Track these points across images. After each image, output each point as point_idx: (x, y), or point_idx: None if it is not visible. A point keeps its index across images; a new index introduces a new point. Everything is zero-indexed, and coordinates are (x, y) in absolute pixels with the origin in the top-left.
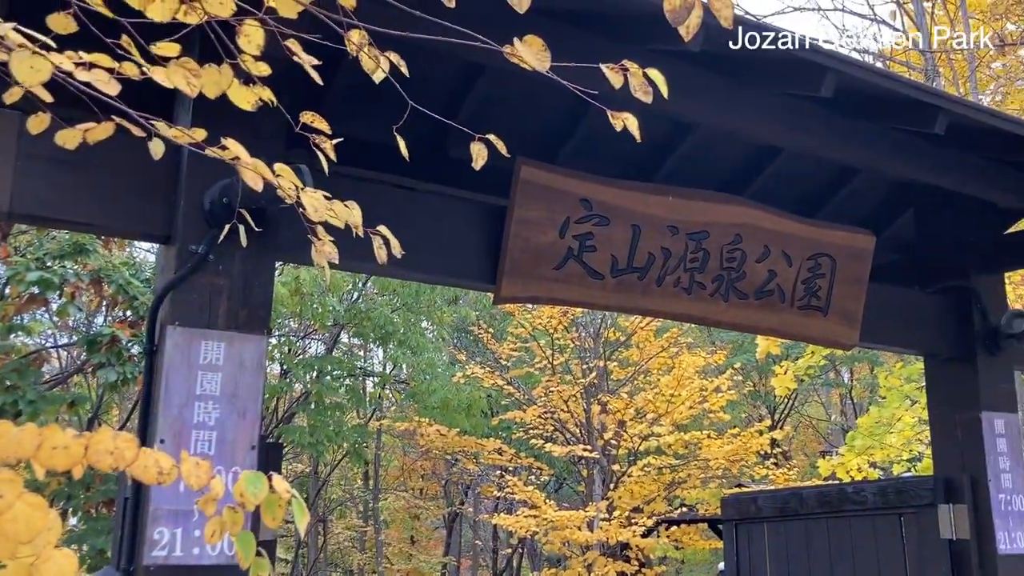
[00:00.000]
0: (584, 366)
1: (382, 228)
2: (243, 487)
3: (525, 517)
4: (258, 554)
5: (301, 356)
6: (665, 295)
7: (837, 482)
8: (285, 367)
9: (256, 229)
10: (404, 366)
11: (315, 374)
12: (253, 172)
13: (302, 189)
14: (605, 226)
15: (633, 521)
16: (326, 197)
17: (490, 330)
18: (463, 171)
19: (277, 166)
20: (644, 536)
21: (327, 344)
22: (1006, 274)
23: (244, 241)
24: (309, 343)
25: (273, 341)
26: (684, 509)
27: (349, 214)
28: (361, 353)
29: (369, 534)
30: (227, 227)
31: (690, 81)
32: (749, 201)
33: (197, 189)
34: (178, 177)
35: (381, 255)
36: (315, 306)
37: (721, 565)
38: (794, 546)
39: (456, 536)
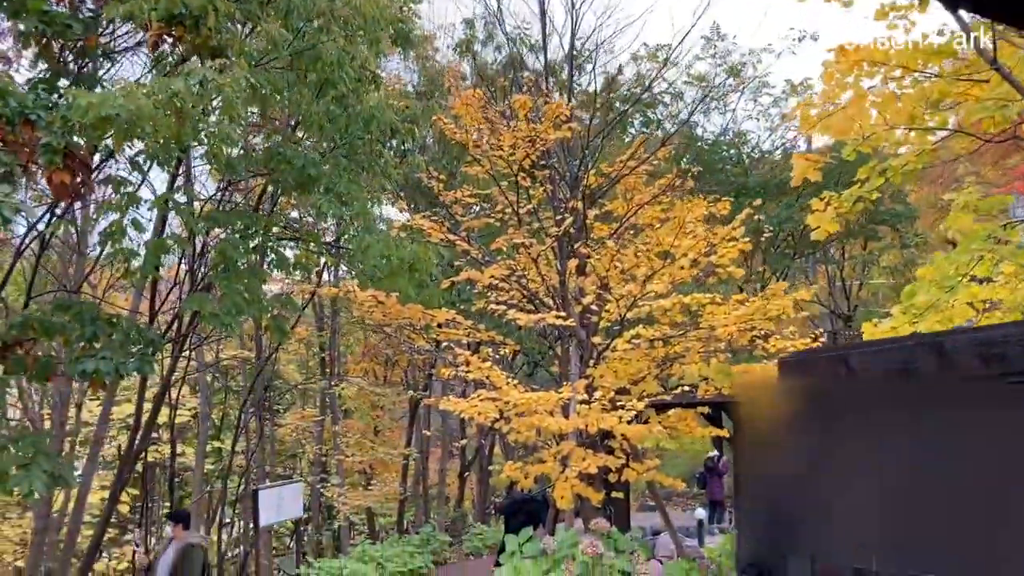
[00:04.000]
0: (557, 217)
1: None
2: None
3: (482, 400)
4: None
5: (202, 208)
6: None
7: None
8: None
9: None
10: (330, 219)
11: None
12: None
13: None
14: None
15: (619, 405)
16: None
17: (441, 177)
18: None
19: None
20: (631, 423)
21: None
22: None
23: None
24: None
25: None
26: (684, 390)
27: None
28: (295, 215)
29: (327, 425)
30: None
31: None
32: None
33: None
34: None
35: None
36: (202, 132)
37: (711, 452)
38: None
39: (420, 425)
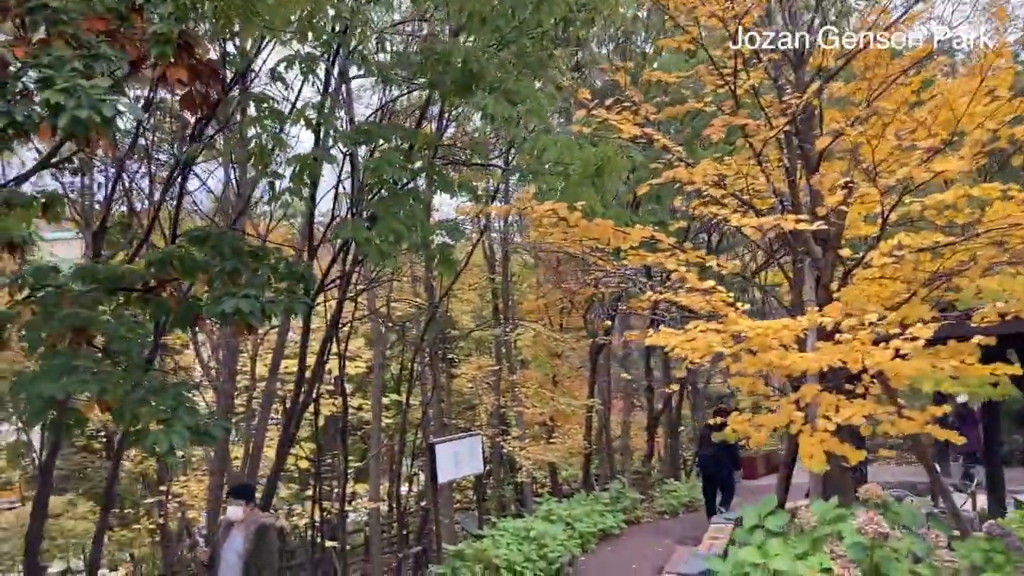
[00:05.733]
0: (782, 101)
1: None
2: None
3: (703, 332)
4: None
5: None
6: None
7: None
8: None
9: None
10: (498, 124)
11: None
12: None
13: None
14: None
15: (887, 335)
16: None
17: (627, 65)
18: None
19: None
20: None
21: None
22: None
23: None
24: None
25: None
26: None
27: None
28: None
29: (503, 375)
30: None
31: None
32: None
33: None
34: None
35: None
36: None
37: (961, 397)
38: None
39: (601, 374)
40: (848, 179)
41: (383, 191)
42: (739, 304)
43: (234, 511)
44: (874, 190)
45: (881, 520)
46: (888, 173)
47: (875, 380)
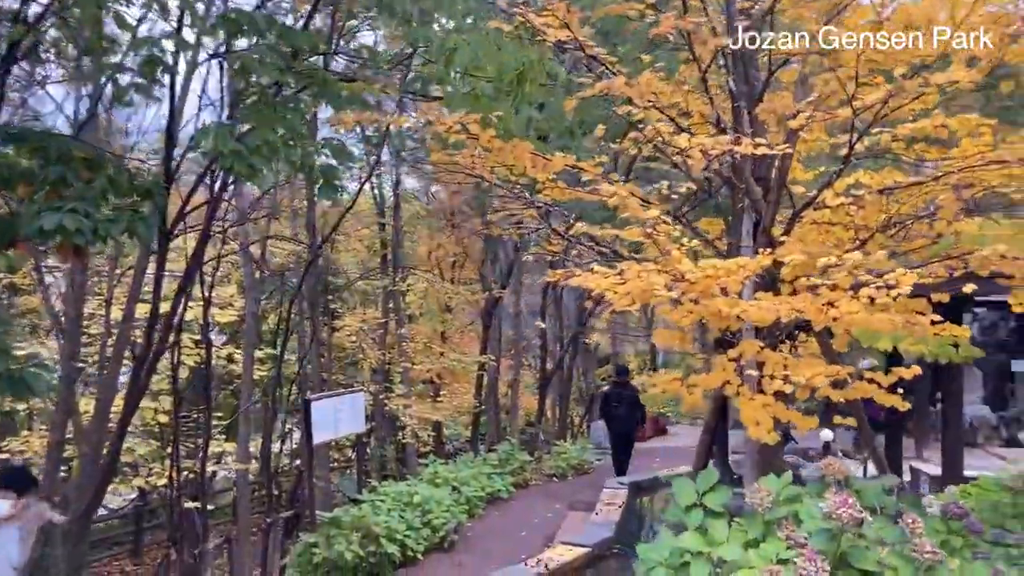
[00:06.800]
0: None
1: None
2: None
3: (642, 274)
4: None
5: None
6: None
7: None
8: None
9: None
10: (398, 22)
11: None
12: None
13: None
14: None
15: (861, 282)
16: None
17: None
18: None
19: None
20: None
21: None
22: None
23: None
24: None
25: None
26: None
27: None
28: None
29: (390, 329)
30: None
31: None
32: None
33: None
34: None
35: None
36: None
37: (864, 363)
38: None
39: (496, 331)
40: (804, 109)
41: (256, 98)
42: (686, 242)
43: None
44: (844, 112)
45: (856, 503)
46: (853, 100)
47: (816, 337)
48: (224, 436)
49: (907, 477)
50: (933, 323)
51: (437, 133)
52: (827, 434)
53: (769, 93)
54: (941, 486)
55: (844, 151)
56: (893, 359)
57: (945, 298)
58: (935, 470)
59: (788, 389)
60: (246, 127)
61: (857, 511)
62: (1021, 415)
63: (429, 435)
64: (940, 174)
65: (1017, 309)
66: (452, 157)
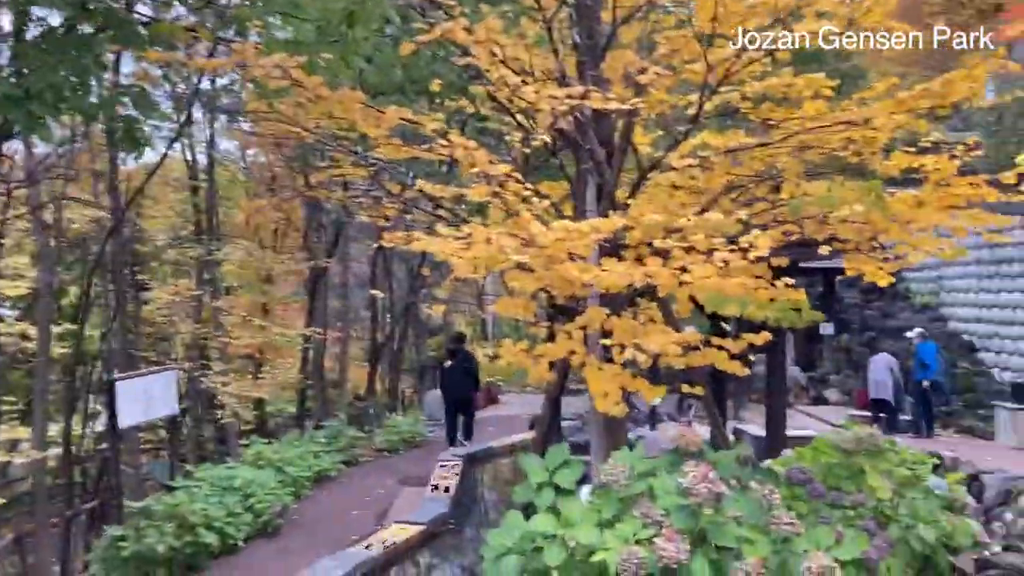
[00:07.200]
0: None
1: None
2: None
3: (493, 238)
4: None
5: None
6: None
7: None
8: None
9: None
10: None
11: None
12: None
13: None
14: None
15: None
16: None
17: None
18: None
19: None
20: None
21: None
22: None
23: None
24: None
25: None
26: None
27: None
28: None
29: (206, 301)
30: None
31: None
32: None
33: None
34: None
35: None
36: None
37: (690, 328)
38: None
39: (323, 301)
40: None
41: (41, 36)
42: (536, 202)
43: None
44: (696, 67)
45: (716, 478)
46: (708, 54)
47: (658, 304)
48: (19, 420)
49: (731, 439)
50: (788, 287)
51: (254, 78)
52: (654, 400)
53: (612, 52)
54: (766, 447)
55: (692, 111)
56: (715, 324)
57: (785, 263)
58: (757, 430)
59: (641, 358)
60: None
61: (717, 486)
62: (827, 375)
63: (252, 413)
64: (785, 136)
65: (851, 272)
66: (273, 108)
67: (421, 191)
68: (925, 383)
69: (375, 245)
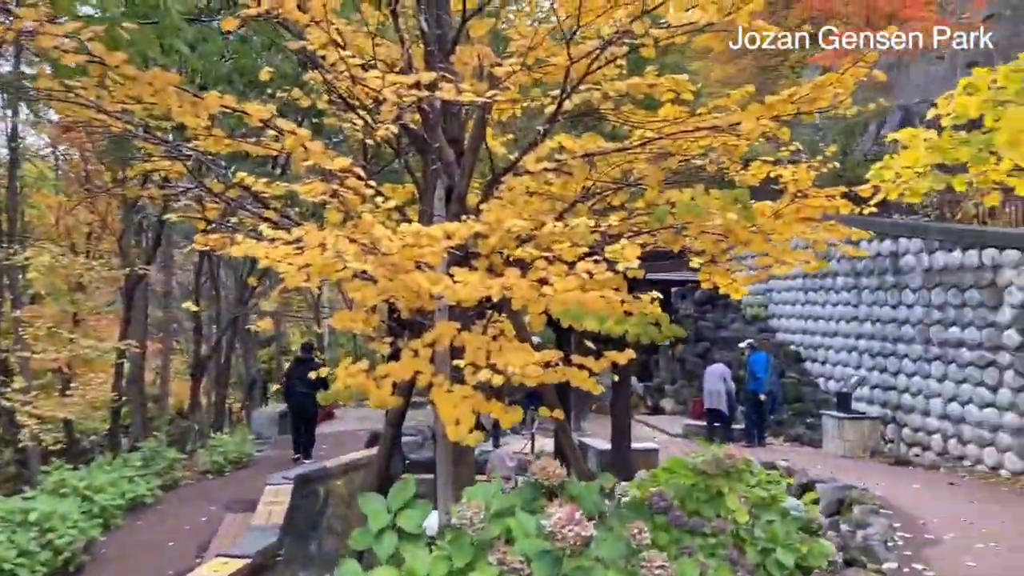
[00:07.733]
0: None
1: None
2: None
3: (329, 242)
4: None
5: None
6: None
7: None
8: None
9: None
10: None
11: None
12: None
13: None
14: None
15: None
16: None
17: None
18: None
19: None
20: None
21: None
22: None
23: None
24: None
25: None
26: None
27: None
28: None
29: (5, 311)
30: None
31: None
32: None
33: None
34: None
35: None
36: None
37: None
38: None
39: (140, 313)
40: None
41: None
42: (380, 203)
43: None
44: (559, 59)
45: (585, 520)
46: (570, 46)
47: (510, 317)
48: None
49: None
50: (652, 301)
51: (44, 50)
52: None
53: (462, 46)
54: (611, 462)
55: (550, 108)
56: (560, 338)
57: (640, 275)
58: (601, 443)
59: (498, 379)
60: None
61: (585, 529)
62: (662, 385)
63: (58, 434)
64: (644, 141)
65: (705, 285)
66: (68, 88)
67: (246, 188)
68: (762, 395)
69: (197, 250)
